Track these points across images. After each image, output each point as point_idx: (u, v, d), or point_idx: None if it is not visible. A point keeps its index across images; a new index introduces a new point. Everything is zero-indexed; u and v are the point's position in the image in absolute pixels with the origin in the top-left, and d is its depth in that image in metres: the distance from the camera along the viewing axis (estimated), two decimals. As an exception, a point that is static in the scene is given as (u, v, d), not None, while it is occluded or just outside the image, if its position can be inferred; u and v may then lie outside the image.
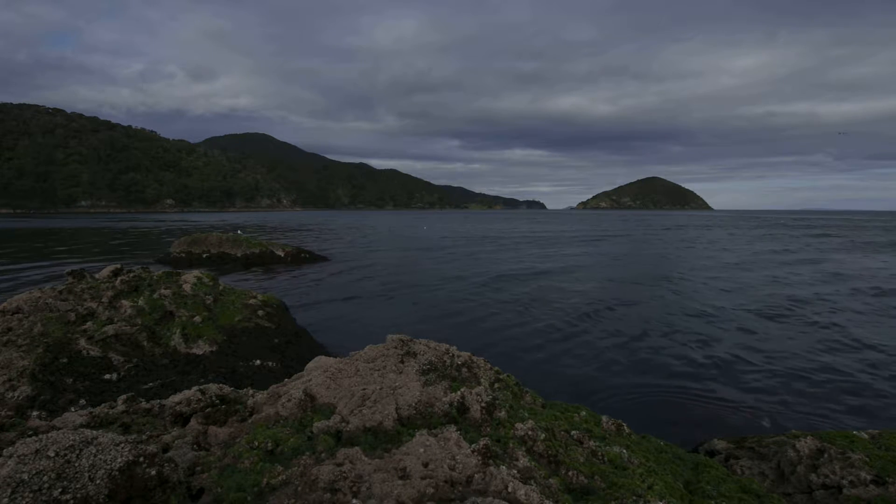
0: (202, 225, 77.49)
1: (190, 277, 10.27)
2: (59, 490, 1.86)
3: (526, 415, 3.96)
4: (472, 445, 3.02)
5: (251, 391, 4.31)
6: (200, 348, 8.26)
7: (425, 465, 2.83)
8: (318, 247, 37.50)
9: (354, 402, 3.56)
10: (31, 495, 1.80)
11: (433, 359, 4.17)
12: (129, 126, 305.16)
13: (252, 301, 10.54)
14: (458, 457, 2.90)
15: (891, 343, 12.03)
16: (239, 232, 32.40)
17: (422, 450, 2.96)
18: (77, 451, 2.03)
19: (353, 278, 22.35)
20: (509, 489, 2.61)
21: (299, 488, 2.52)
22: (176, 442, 3.15)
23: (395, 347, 4.23)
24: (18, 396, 5.86)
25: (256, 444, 3.02)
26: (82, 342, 7.28)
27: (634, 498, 3.00)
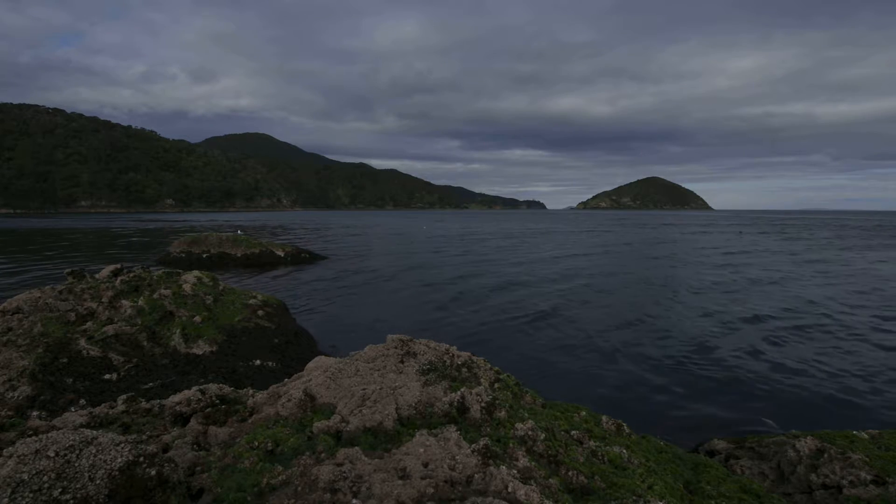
0: (201, 225, 77.54)
1: (190, 277, 10.27)
2: (59, 490, 1.86)
3: (526, 415, 3.96)
4: (472, 445, 3.02)
5: (251, 391, 4.31)
6: (200, 348, 8.26)
7: (425, 465, 2.83)
8: (318, 246, 37.51)
9: (354, 403, 3.56)
10: (31, 495, 1.80)
11: (433, 359, 4.17)
12: (129, 126, 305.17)
13: (252, 301, 10.55)
14: (458, 457, 2.90)
15: (892, 345, 12.03)
16: (239, 232, 32.41)
17: (422, 450, 2.96)
18: (77, 451, 2.03)
19: (353, 278, 22.35)
20: (509, 489, 2.61)
21: (299, 488, 2.52)
22: (176, 442, 3.15)
23: (395, 347, 4.23)
24: (18, 396, 5.86)
25: (256, 444, 3.02)
26: (82, 342, 7.28)
27: (634, 498, 3.00)
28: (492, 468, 2.80)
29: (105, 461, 2.03)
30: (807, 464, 4.72)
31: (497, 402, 3.92)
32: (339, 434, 3.25)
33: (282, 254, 27.90)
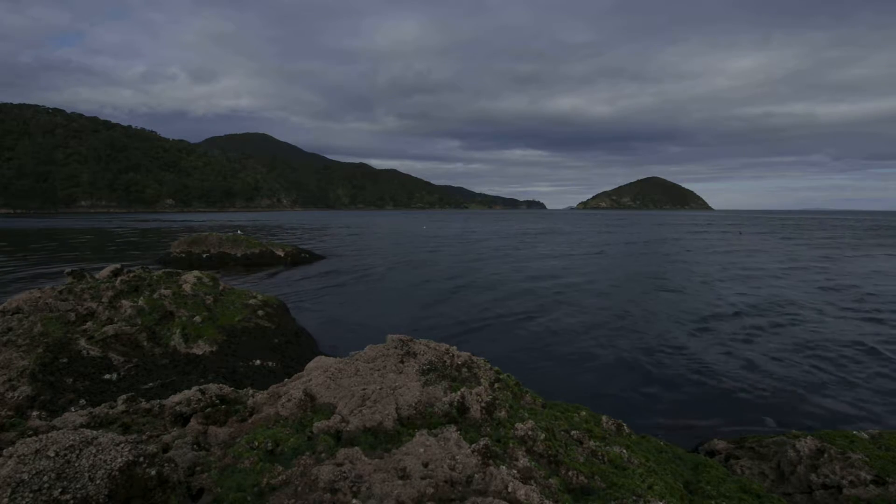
0: (200, 225, 77.57)
1: (190, 277, 10.27)
2: (59, 490, 1.86)
3: (526, 415, 3.96)
4: (472, 445, 3.02)
5: (251, 391, 4.31)
6: (200, 348, 8.26)
7: (425, 465, 2.83)
8: (318, 246, 37.50)
9: (354, 402, 3.56)
10: (31, 495, 1.80)
11: (433, 359, 4.17)
12: (129, 126, 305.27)
13: (252, 301, 10.55)
14: (458, 457, 2.90)
15: (892, 344, 12.03)
16: (239, 232, 32.41)
17: (422, 450, 2.96)
18: (77, 451, 2.03)
19: (353, 278, 22.35)
20: (509, 489, 2.61)
21: (299, 488, 2.53)
22: (176, 442, 3.15)
23: (395, 347, 4.23)
24: (18, 396, 5.86)
25: (256, 444, 3.02)
26: (82, 342, 7.28)
27: (634, 498, 3.00)
28: (492, 468, 2.80)
29: (105, 461, 2.03)
30: (807, 464, 4.72)
31: (497, 402, 3.93)
32: (339, 434, 3.25)
33: (282, 254, 27.90)
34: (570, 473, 3.19)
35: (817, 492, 4.44)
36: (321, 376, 3.95)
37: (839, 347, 11.67)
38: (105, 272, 9.61)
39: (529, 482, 2.81)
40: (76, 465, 1.98)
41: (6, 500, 1.78)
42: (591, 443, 3.82)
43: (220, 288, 10.63)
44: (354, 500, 2.44)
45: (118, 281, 9.12)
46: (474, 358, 4.55)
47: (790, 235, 58.75)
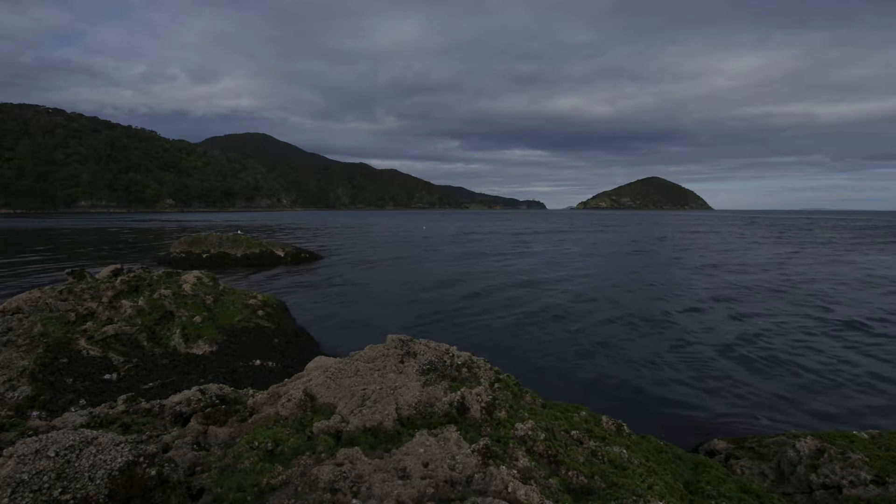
0: (200, 225, 77.57)
1: (190, 277, 10.27)
2: (59, 490, 1.86)
3: (526, 415, 3.95)
4: (472, 445, 3.02)
5: (251, 391, 4.31)
6: (200, 348, 8.26)
7: (425, 465, 2.83)
8: (318, 246, 37.50)
9: (354, 402, 3.56)
10: (31, 495, 1.80)
11: (433, 359, 4.17)
12: (129, 126, 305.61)
13: (252, 301, 10.54)
14: (458, 457, 2.90)
15: (892, 343, 12.03)
16: (239, 232, 32.42)
17: (422, 450, 2.96)
18: (77, 451, 2.03)
19: (353, 278, 22.35)
20: (509, 489, 2.61)
21: (299, 488, 2.53)
22: (176, 442, 3.15)
23: (395, 347, 4.23)
24: (18, 396, 5.86)
25: (256, 444, 3.02)
26: (82, 342, 7.28)
27: (634, 498, 3.00)
28: (492, 468, 2.80)
29: (105, 461, 2.03)
30: (807, 464, 4.72)
31: (497, 402, 3.93)
32: (339, 434, 3.25)
33: (282, 254, 27.90)
34: (570, 473, 3.19)
35: (817, 492, 4.44)
36: (321, 376, 3.95)
37: (832, 347, 11.68)
38: (105, 272, 9.61)
39: (529, 482, 2.81)
40: (76, 465, 1.98)
41: (6, 500, 1.78)
42: (591, 443, 3.82)
43: (220, 288, 10.63)
44: (354, 500, 2.44)
45: (118, 281, 9.12)
46: (474, 358, 4.55)
47: (785, 235, 58.93)
